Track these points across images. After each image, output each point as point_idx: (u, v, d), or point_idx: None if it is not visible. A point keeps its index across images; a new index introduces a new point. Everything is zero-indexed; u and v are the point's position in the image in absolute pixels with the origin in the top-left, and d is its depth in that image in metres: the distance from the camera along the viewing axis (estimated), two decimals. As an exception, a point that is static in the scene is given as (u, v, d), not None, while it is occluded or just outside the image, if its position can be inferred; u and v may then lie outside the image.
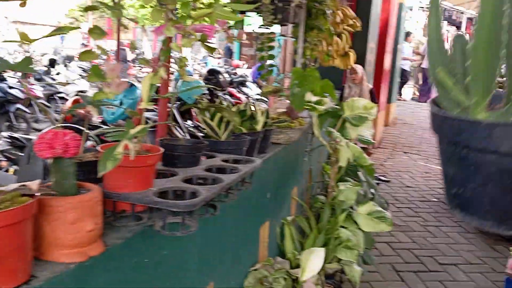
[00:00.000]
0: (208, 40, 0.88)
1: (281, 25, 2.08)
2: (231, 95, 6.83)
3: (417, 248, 3.33)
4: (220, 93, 5.36)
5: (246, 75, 9.04)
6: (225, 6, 0.85)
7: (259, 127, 1.52)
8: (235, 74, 9.37)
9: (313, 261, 1.58)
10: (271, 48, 1.62)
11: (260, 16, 1.77)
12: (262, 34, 1.70)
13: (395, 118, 8.07)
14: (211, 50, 0.98)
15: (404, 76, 10.44)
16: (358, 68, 4.94)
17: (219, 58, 13.77)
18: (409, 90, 10.63)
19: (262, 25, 1.76)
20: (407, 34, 11.12)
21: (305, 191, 2.51)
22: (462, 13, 17.09)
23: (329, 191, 2.32)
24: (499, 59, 0.40)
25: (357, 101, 2.28)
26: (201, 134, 1.44)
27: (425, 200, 4.45)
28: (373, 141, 2.33)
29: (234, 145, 1.32)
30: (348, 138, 2.32)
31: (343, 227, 2.26)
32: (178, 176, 1.02)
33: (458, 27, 16.97)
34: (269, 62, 1.90)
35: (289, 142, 1.91)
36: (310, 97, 2.33)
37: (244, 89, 8.18)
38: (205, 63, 12.74)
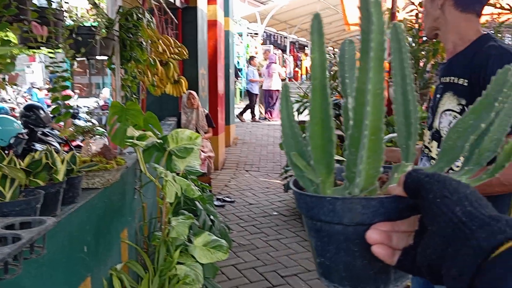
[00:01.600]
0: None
1: (88, 59, 1.92)
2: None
3: (261, 265, 3.43)
4: (45, 130, 4.82)
5: (78, 107, 8.40)
6: None
7: (60, 176, 1.34)
8: (66, 105, 8.61)
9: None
10: (65, 87, 1.46)
11: (53, 51, 1.59)
12: (56, 72, 1.52)
13: (236, 138, 8.40)
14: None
15: (251, 99, 11.09)
16: (195, 94, 4.99)
17: (47, 89, 12.55)
18: (256, 110, 11.32)
19: (58, 62, 1.58)
20: (251, 58, 11.84)
21: (139, 231, 2.36)
22: (285, 37, 18.94)
23: (162, 228, 2.22)
24: (333, 143, 0.42)
25: (181, 132, 2.24)
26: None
27: (266, 215, 4.67)
28: (202, 171, 2.31)
29: (23, 205, 1.12)
30: (176, 171, 2.26)
31: (180, 263, 2.17)
32: None
33: (284, 50, 18.75)
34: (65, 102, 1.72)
35: (108, 185, 1.75)
36: (133, 132, 2.21)
37: (77, 122, 7.57)
38: (31, 95, 11.47)
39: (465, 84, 1.34)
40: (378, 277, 0.49)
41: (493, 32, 3.26)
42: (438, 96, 1.45)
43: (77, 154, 1.82)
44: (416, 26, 3.90)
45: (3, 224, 1.02)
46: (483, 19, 3.58)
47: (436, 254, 0.41)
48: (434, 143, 1.45)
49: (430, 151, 1.47)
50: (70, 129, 1.60)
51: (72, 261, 1.52)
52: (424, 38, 4.03)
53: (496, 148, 0.51)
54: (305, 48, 22.78)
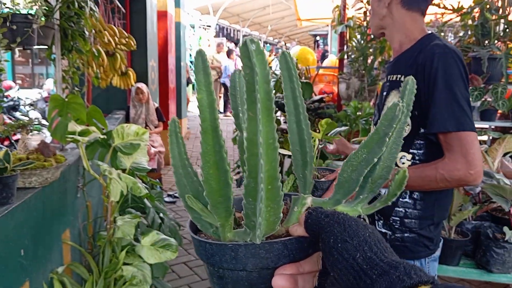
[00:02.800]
0: None
1: (24, 48, 1.79)
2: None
3: (213, 262, 3.40)
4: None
5: (19, 99, 7.92)
6: None
7: (-9, 176, 1.23)
8: (7, 97, 8.10)
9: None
10: (-3, 80, 1.35)
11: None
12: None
13: (188, 133, 8.28)
14: None
15: (227, 92, 11.06)
16: (144, 87, 4.83)
17: (-15, 79, 11.74)
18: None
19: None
20: (230, 51, 11.73)
21: (83, 230, 2.25)
22: (238, 31, 18.89)
23: (108, 228, 2.12)
24: (229, 185, 0.40)
25: (127, 127, 2.15)
26: None
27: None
28: (149, 167, 2.24)
29: None
30: (122, 168, 2.17)
31: (127, 263, 2.09)
32: None
33: (236, 44, 18.70)
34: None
35: (46, 184, 1.64)
36: (75, 126, 2.09)
37: (17, 114, 7.13)
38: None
39: None
40: None
41: (436, 31, 3.39)
42: (384, 93, 1.47)
43: (13, 151, 1.69)
44: (364, 23, 3.99)
45: None
46: (427, 19, 3.73)
47: None
48: None
49: None
50: (21, 115, 1.48)
51: (8, 266, 1.41)
52: (372, 36, 4.14)
53: (388, 175, 0.54)
54: (279, 67, 22.87)
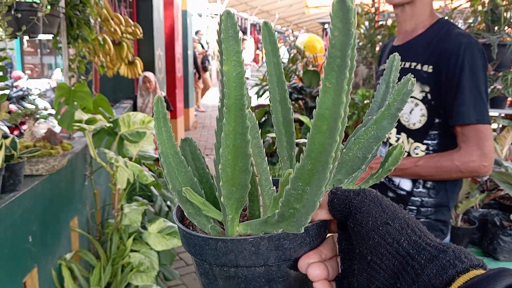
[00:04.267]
0: None
1: (30, 37, 1.80)
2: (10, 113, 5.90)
3: (220, 250, 3.43)
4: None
5: (28, 88, 7.97)
6: None
7: (-2, 163, 1.25)
8: (16, 87, 8.16)
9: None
10: (2, 68, 1.35)
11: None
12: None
13: (196, 122, 8.29)
14: None
15: None
16: (151, 76, 4.83)
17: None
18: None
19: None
20: (242, 40, 11.62)
21: (91, 218, 2.28)
22: (246, 19, 18.76)
23: (115, 215, 2.15)
24: (248, 172, 0.37)
25: (133, 115, 2.16)
26: None
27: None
28: (155, 156, 2.25)
29: (-47, 194, 1.04)
30: (128, 156, 2.18)
31: (134, 250, 2.12)
32: None
33: (244, 32, 18.59)
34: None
35: (53, 171, 1.66)
36: (81, 115, 2.11)
37: (26, 104, 7.19)
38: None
39: (430, 70, 1.29)
40: None
41: (446, 17, 3.35)
42: None
43: (20, 139, 1.71)
44: (372, 10, 3.94)
45: None
46: (436, 5, 3.67)
47: None
48: (393, 130, 1.44)
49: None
50: (5, 112, 1.50)
51: (17, 251, 1.44)
52: (381, 23, 4.09)
53: (376, 152, 0.50)
54: (261, 41, 22.67)
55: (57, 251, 1.82)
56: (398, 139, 1.40)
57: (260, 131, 0.49)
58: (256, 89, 4.58)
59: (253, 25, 21.18)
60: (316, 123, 0.36)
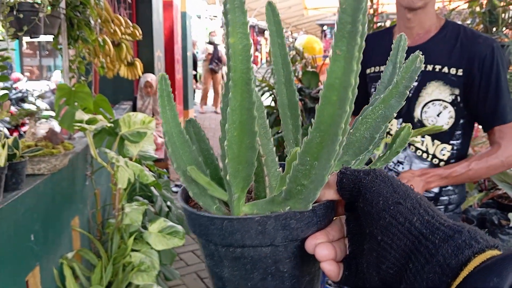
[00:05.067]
0: None
1: (31, 37, 1.81)
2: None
3: (220, 250, 3.44)
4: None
5: (27, 90, 7.99)
6: None
7: (1, 161, 1.26)
8: (15, 89, 8.17)
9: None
10: (4, 68, 1.37)
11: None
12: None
13: (195, 123, 8.29)
14: None
15: None
16: (153, 80, 4.84)
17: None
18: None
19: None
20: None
21: (92, 218, 2.29)
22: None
23: (116, 215, 2.16)
24: (255, 149, 0.37)
25: (134, 116, 2.18)
26: None
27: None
28: (156, 156, 2.26)
29: (-42, 192, 1.05)
30: (129, 156, 2.20)
31: (135, 250, 2.13)
32: None
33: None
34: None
35: (55, 171, 1.67)
36: (82, 115, 2.12)
37: (25, 106, 7.20)
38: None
39: (460, 73, 1.30)
40: None
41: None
42: (413, 84, 1.42)
43: (22, 139, 1.72)
44: (371, 11, 3.96)
45: None
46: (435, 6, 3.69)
47: (394, 269, 0.37)
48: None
49: None
50: (8, 110, 1.50)
51: (19, 250, 1.45)
52: (379, 24, 4.11)
53: (383, 134, 0.49)
54: (265, 32, 22.74)
55: (58, 250, 1.82)
56: (423, 142, 1.40)
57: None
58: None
59: (252, 27, 21.21)
60: (325, 93, 0.35)
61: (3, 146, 1.28)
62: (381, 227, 0.37)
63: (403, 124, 0.51)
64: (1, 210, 1.30)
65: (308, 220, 0.41)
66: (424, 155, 1.40)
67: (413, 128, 1.36)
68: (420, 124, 1.37)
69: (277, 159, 0.48)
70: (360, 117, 0.47)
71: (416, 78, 1.46)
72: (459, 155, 1.39)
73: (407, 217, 0.37)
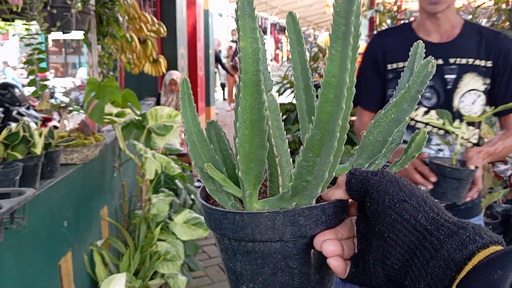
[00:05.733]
0: None
1: (63, 33, 1.88)
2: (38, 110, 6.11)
3: (242, 244, 3.48)
4: (20, 109, 4.71)
5: (54, 86, 8.21)
6: None
7: (38, 150, 1.32)
8: (42, 85, 8.41)
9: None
10: (42, 60, 1.43)
11: (28, 24, 1.55)
12: (31, 44, 1.49)
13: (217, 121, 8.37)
14: None
15: None
16: (178, 78, 4.92)
17: (22, 68, 12.19)
18: None
19: (33, 34, 1.55)
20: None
21: (119, 208, 2.36)
22: (266, 19, 18.79)
23: (143, 205, 2.22)
24: (265, 148, 0.38)
25: (160, 109, 2.23)
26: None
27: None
28: (181, 148, 2.32)
29: (2, 176, 1.11)
30: (155, 149, 2.26)
31: (161, 239, 2.19)
32: None
33: (264, 32, 18.63)
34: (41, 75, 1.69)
35: (87, 161, 1.74)
36: (111, 109, 2.19)
37: (53, 102, 7.40)
38: (4, 74, 11.14)
39: (489, 65, 1.45)
40: None
41: (469, 16, 3.34)
42: (452, 76, 1.47)
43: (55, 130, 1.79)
44: (395, 8, 3.93)
45: (-19, 195, 1.01)
46: (459, 3, 3.64)
47: (399, 264, 0.38)
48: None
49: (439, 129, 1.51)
50: (48, 101, 1.57)
51: (53, 235, 1.52)
52: (402, 21, 4.08)
53: (400, 140, 0.51)
54: (286, 30, 22.66)
55: (88, 238, 1.90)
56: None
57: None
58: (277, 87, 4.63)
59: (273, 25, 21.21)
60: (323, 91, 0.37)
61: (40, 135, 1.34)
62: (387, 224, 0.39)
63: (420, 129, 0.53)
64: (38, 196, 1.37)
65: (316, 218, 0.42)
66: (467, 143, 1.49)
67: (452, 117, 1.39)
68: (458, 113, 1.47)
69: (291, 160, 0.50)
70: (373, 121, 0.48)
71: (454, 71, 1.51)
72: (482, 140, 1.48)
73: (413, 214, 0.38)
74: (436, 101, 1.47)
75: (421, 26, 1.49)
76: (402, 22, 3.99)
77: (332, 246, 0.41)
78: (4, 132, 1.27)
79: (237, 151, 0.42)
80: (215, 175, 0.45)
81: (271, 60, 16.31)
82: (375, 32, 4.13)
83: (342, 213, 0.45)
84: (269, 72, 0.52)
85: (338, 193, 0.43)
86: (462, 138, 1.41)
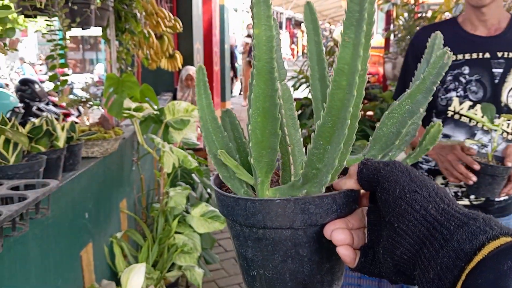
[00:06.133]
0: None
1: (83, 29, 1.92)
2: (58, 105, 6.23)
3: (257, 238, 3.51)
4: (40, 105, 4.81)
5: (72, 82, 8.34)
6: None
7: (61, 143, 1.36)
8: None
9: (133, 279, 1.50)
10: (63, 56, 1.47)
11: (50, 20, 1.59)
12: (53, 40, 1.53)
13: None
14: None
15: None
16: (194, 73, 4.94)
17: (41, 64, 12.41)
18: None
19: (55, 30, 1.59)
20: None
21: (137, 201, 2.40)
22: (281, 13, 18.72)
23: (160, 199, 2.26)
24: (277, 135, 0.38)
25: (177, 104, 2.26)
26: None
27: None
28: (198, 143, 2.34)
29: (26, 168, 1.15)
30: (173, 143, 2.29)
31: (178, 232, 2.23)
32: None
33: (280, 27, 18.53)
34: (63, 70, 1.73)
35: (107, 154, 1.78)
36: (129, 103, 2.22)
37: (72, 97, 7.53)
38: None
39: None
40: (324, 279, 0.45)
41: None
42: (499, 70, 1.45)
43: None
44: (412, 1, 3.89)
45: (9, 185, 1.05)
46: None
47: (408, 254, 0.38)
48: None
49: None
50: (69, 96, 1.61)
51: (75, 226, 1.56)
52: (420, 14, 4.03)
53: (415, 132, 0.50)
54: (301, 24, 22.56)
55: (108, 230, 1.94)
56: (509, 124, 1.48)
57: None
58: (292, 82, 4.63)
59: (289, 19, 21.12)
60: (335, 78, 0.36)
61: (62, 129, 1.38)
62: (397, 214, 0.39)
63: (435, 122, 0.52)
64: (60, 188, 1.41)
65: (327, 207, 0.42)
66: (510, 136, 1.45)
67: (499, 112, 1.37)
68: (506, 108, 1.44)
69: (304, 149, 0.50)
70: (387, 112, 0.48)
71: (501, 65, 1.50)
72: None
73: (423, 205, 0.38)
74: (482, 95, 1.44)
75: (467, 21, 1.47)
76: (419, 15, 3.94)
77: (342, 235, 0.42)
78: (28, 126, 1.31)
79: (250, 138, 0.42)
80: (228, 162, 0.45)
81: (286, 54, 16.25)
82: (391, 26, 4.08)
83: (353, 203, 0.45)
84: (283, 61, 0.52)
85: (350, 183, 0.43)
86: (508, 133, 1.41)
